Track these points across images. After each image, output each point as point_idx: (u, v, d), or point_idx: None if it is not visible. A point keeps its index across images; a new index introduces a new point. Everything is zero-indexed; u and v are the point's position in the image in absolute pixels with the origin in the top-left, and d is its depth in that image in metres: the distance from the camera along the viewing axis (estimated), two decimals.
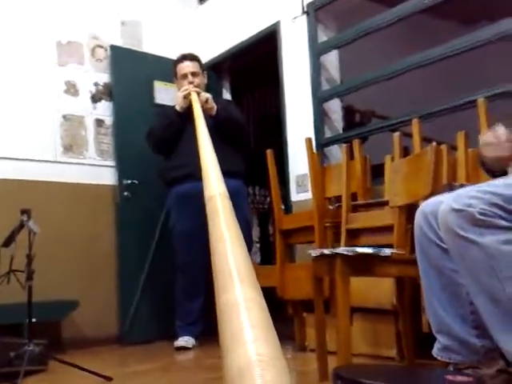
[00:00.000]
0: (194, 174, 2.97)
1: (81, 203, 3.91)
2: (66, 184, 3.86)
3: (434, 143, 2.07)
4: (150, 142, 3.70)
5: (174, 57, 3.89)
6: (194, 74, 3.69)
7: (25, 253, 2.44)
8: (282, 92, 3.96)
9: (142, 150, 3.78)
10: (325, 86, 3.78)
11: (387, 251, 2.01)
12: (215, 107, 3.57)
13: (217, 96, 4.30)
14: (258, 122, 6.66)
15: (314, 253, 2.14)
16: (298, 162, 3.71)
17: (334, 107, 3.82)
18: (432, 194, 1.98)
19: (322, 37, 3.79)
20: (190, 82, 3.64)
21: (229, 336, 0.80)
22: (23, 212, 2.38)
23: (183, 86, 3.65)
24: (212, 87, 4.17)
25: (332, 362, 2.20)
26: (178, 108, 3.61)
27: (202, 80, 3.75)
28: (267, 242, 7.12)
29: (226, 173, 3.51)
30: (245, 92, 6.14)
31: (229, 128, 3.59)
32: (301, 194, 3.75)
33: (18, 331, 2.86)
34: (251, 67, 4.94)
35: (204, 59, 4.13)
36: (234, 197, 3.75)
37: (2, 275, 2.32)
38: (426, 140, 2.89)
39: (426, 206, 1.81)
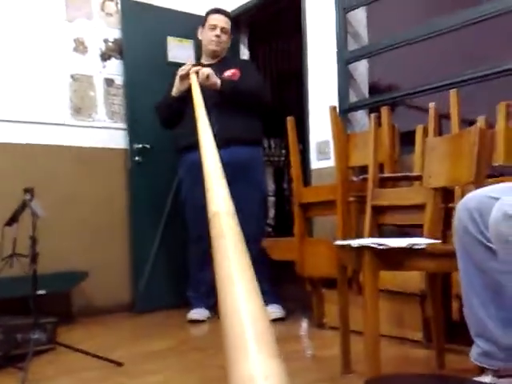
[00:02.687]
0: None
1: (91, 168, 3.73)
2: (75, 148, 3.68)
3: (479, 123, 1.84)
4: (157, 116, 3.54)
5: (189, 11, 3.62)
6: (223, 30, 3.50)
7: (31, 227, 2.28)
8: (305, 49, 3.68)
9: (155, 113, 3.57)
10: (351, 46, 3.50)
11: (421, 243, 1.82)
12: (218, 82, 3.30)
13: (234, 54, 4.05)
14: (277, 77, 6.39)
15: (340, 243, 1.96)
16: (320, 128, 3.48)
17: (361, 69, 3.56)
18: (475, 182, 1.77)
19: None
20: (217, 36, 3.46)
21: None
22: (26, 191, 2.19)
23: (207, 37, 3.47)
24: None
25: (355, 344, 2.06)
26: (174, 93, 3.40)
27: (227, 40, 3.56)
28: (282, 196, 7.00)
29: (241, 141, 3.35)
30: (263, 44, 5.86)
31: (239, 99, 3.34)
32: (322, 162, 3.54)
33: (26, 305, 2.76)
34: (271, 22, 4.64)
35: None
36: (249, 165, 3.55)
37: (4, 257, 2.17)
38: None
39: (469, 201, 1.60)
